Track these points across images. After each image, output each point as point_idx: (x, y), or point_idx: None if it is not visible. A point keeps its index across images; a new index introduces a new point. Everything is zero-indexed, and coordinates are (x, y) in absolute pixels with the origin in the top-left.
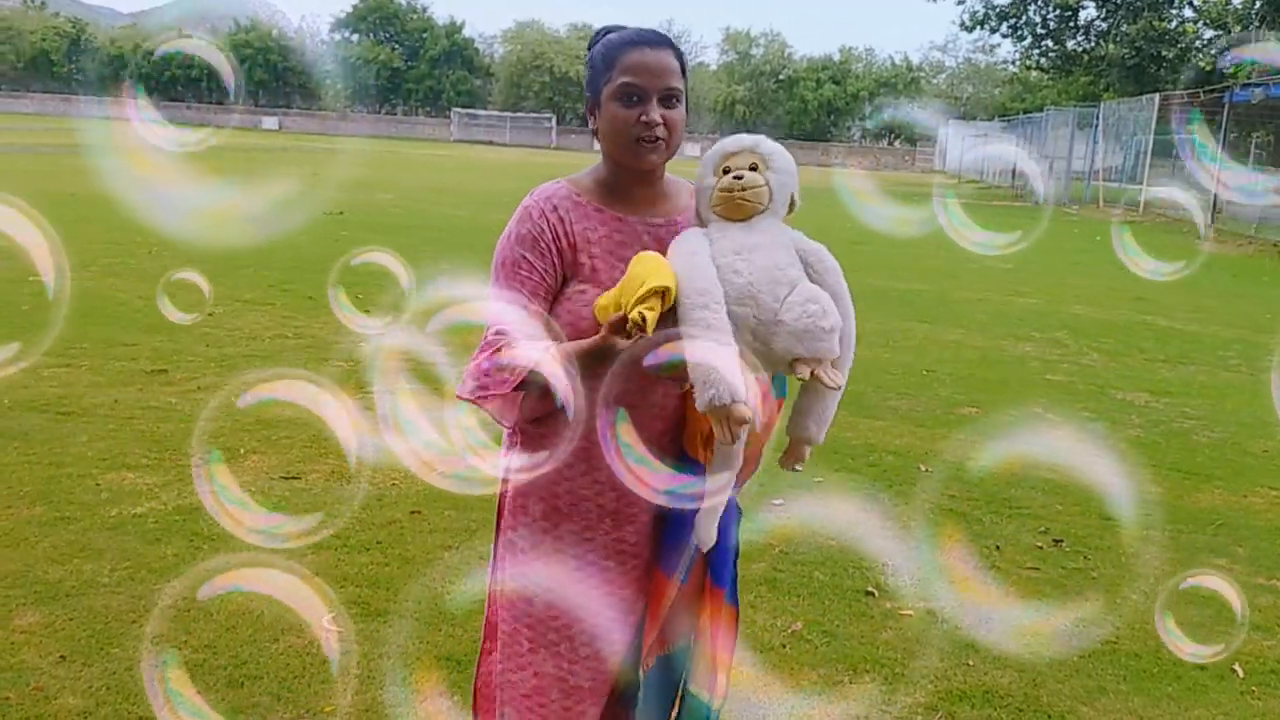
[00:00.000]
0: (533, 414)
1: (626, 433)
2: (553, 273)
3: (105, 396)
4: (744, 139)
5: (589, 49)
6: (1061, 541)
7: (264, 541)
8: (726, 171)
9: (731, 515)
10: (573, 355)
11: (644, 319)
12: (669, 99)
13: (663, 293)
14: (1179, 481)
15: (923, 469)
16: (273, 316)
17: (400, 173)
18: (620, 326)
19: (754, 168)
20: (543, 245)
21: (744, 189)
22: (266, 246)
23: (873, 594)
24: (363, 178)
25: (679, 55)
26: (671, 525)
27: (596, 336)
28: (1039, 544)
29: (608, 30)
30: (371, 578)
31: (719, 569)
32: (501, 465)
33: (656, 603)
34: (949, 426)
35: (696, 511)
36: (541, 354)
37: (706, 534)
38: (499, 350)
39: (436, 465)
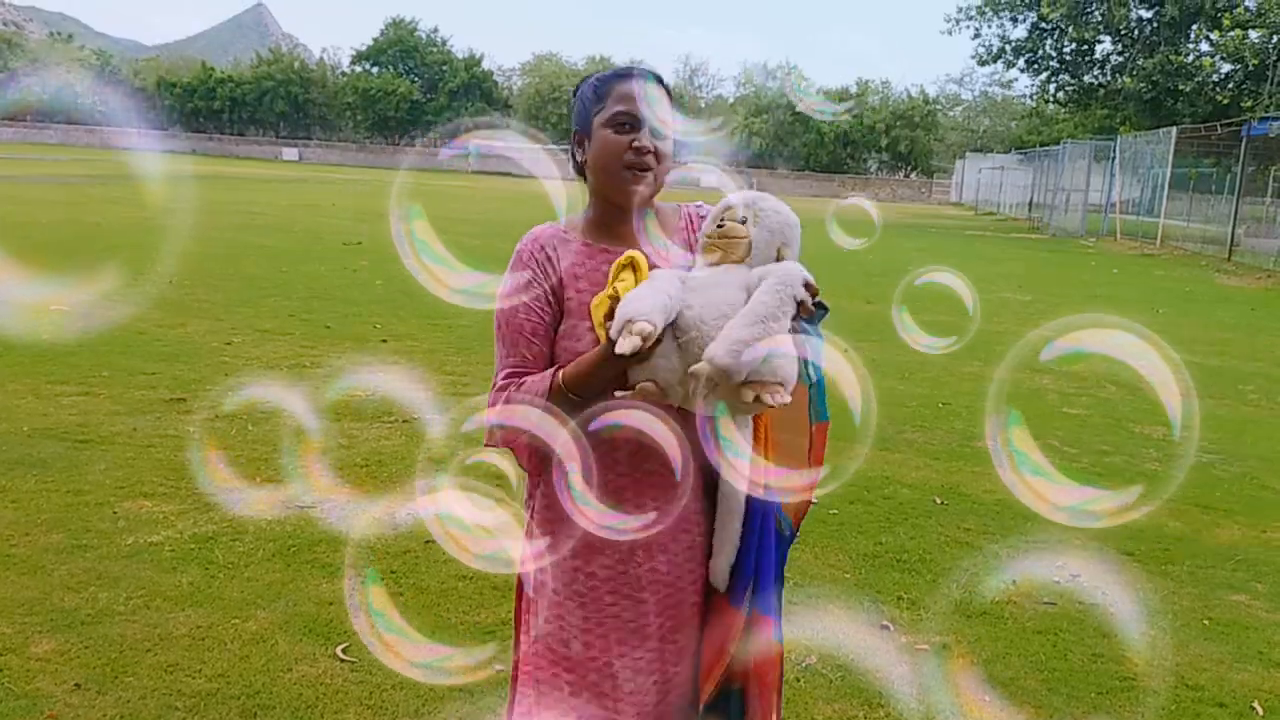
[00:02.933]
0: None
1: (578, 482)
2: (548, 310)
3: (124, 425)
4: (747, 194)
5: (574, 94)
6: (1079, 576)
7: None
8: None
9: (772, 540)
10: (581, 373)
11: (617, 292)
12: (658, 130)
13: (632, 265)
14: (1198, 516)
15: (938, 501)
16: (291, 346)
17: (418, 203)
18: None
19: (744, 221)
20: (535, 287)
21: (722, 236)
22: (285, 276)
23: (888, 628)
24: (381, 208)
25: (669, 92)
26: (739, 554)
27: (597, 349)
28: (1056, 579)
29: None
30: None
31: (766, 595)
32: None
33: (725, 636)
34: (965, 460)
35: (762, 539)
36: (541, 413)
37: (722, 577)
38: (508, 399)
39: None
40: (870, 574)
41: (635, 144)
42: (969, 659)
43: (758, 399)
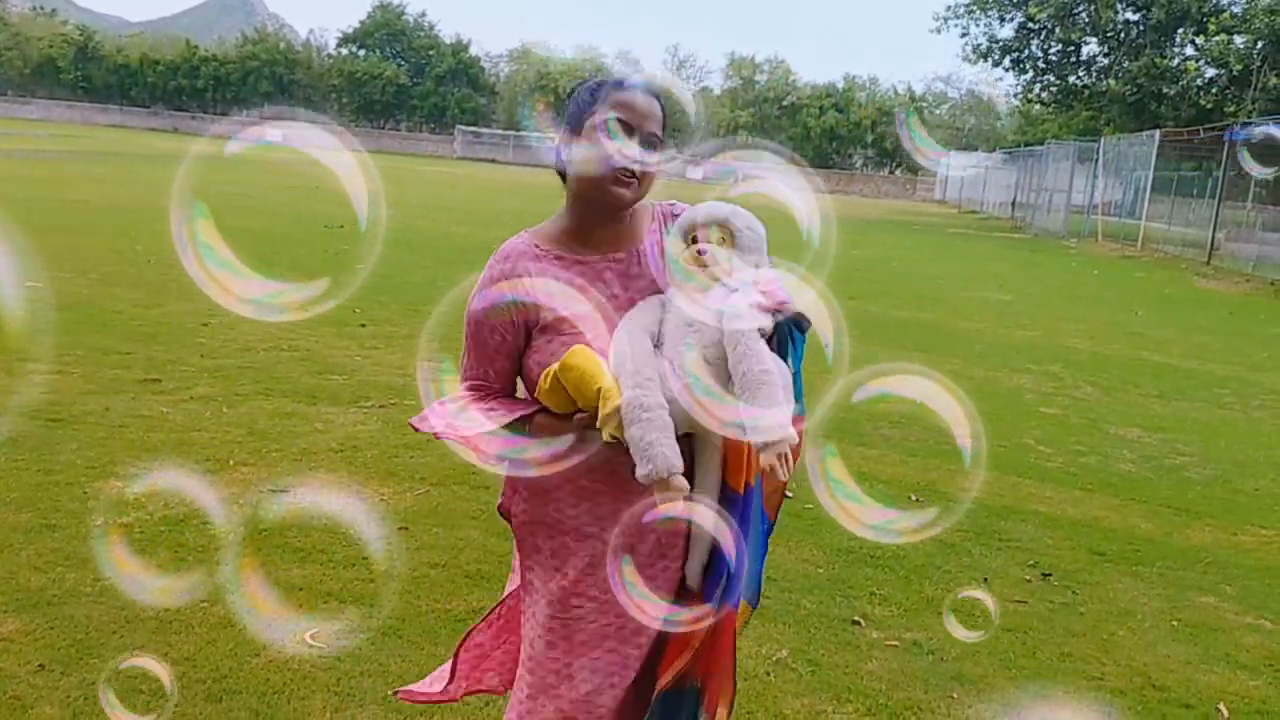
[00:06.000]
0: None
1: (631, 574)
2: (513, 330)
3: (96, 404)
4: (717, 210)
5: (569, 96)
6: (1050, 576)
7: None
8: (694, 241)
9: (747, 537)
10: (548, 428)
11: (614, 438)
12: (649, 143)
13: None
14: (1170, 518)
15: (913, 499)
16: (268, 328)
17: (403, 188)
18: (586, 426)
19: (722, 241)
20: (501, 306)
21: (704, 266)
22: (266, 258)
23: (859, 623)
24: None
25: (664, 109)
26: (716, 553)
27: (570, 429)
28: (1028, 577)
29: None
30: (356, 594)
31: (734, 590)
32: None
33: (692, 629)
34: (941, 457)
35: (717, 580)
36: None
37: (695, 578)
38: (473, 401)
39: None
40: (843, 569)
41: (625, 151)
42: (937, 656)
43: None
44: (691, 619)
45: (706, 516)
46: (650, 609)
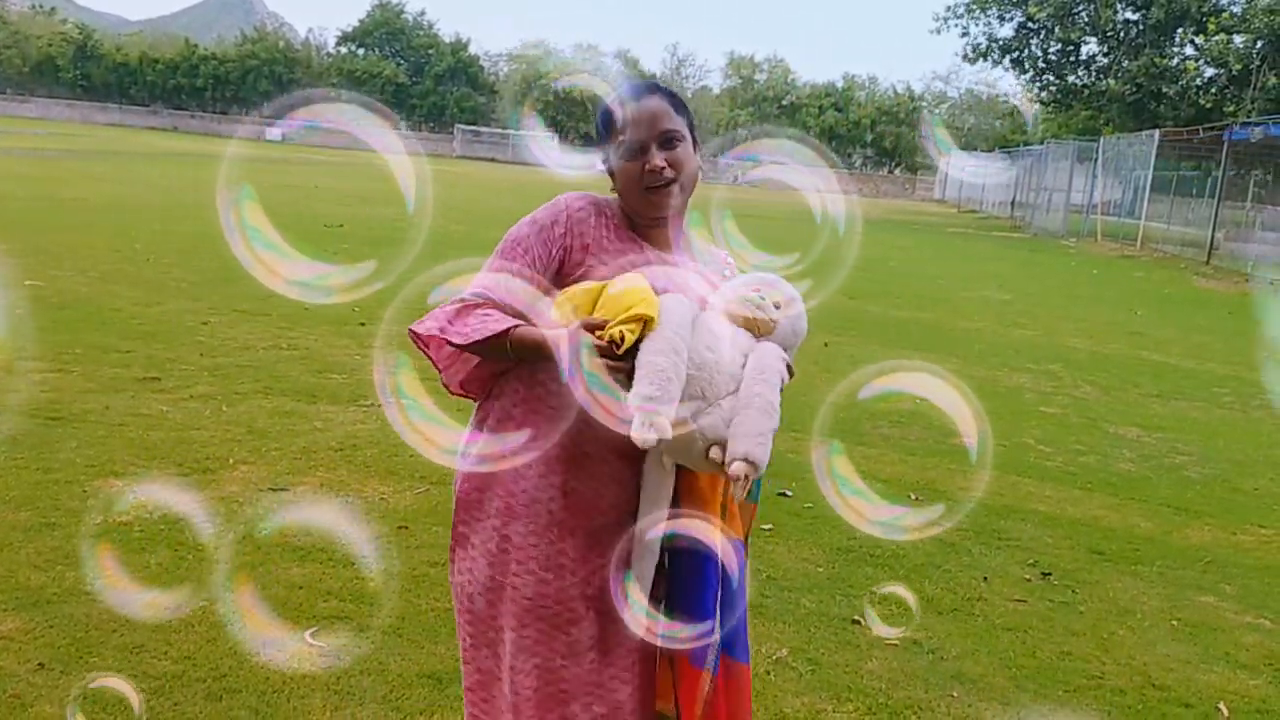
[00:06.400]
0: (472, 380)
1: (635, 591)
2: (544, 262)
3: (96, 403)
4: (787, 287)
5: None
6: (1050, 575)
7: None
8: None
9: (744, 583)
10: (530, 347)
11: (622, 337)
12: (668, 141)
13: (645, 321)
14: (1169, 517)
15: (913, 497)
16: (267, 327)
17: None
18: (591, 329)
19: (777, 306)
20: (551, 235)
21: (760, 311)
22: None
23: (859, 622)
24: (364, 191)
25: (671, 97)
26: (691, 608)
27: (561, 329)
28: (1027, 576)
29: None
30: (355, 592)
31: (739, 644)
32: (464, 449)
33: (690, 697)
34: (941, 456)
35: (713, 595)
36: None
37: (634, 619)
38: (475, 307)
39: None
40: (843, 568)
41: (647, 167)
42: (937, 655)
43: (725, 465)
44: (694, 635)
45: (710, 534)
46: (651, 625)
